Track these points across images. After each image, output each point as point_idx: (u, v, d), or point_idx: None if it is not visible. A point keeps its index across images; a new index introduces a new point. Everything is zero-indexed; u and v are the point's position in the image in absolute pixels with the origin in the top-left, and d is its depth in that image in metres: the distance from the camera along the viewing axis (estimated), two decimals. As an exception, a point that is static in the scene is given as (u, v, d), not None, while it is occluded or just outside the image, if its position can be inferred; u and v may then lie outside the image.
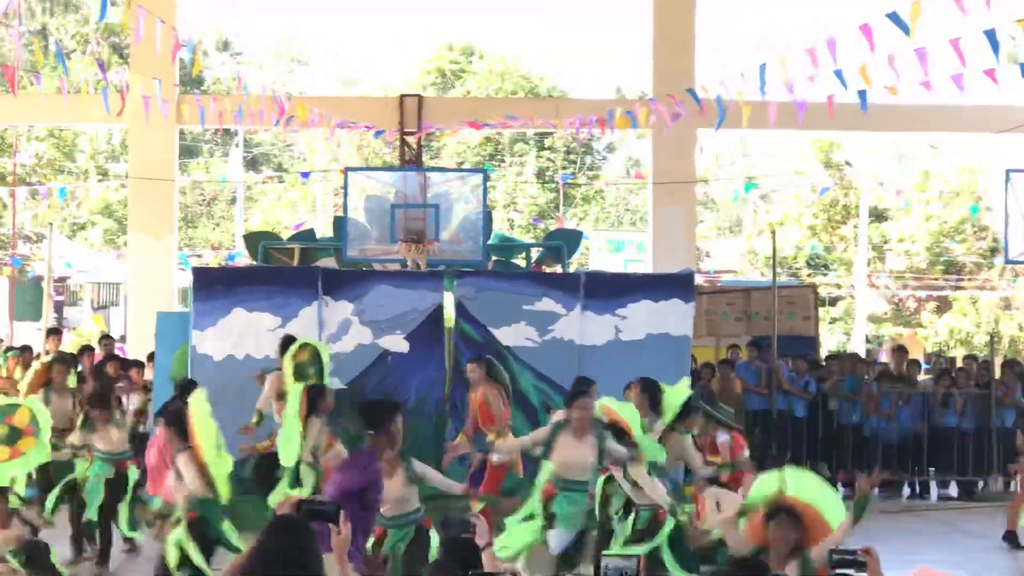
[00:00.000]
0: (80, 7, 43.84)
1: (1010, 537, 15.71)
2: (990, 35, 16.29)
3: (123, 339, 24.50)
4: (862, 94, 19.68)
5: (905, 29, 16.30)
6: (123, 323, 29.55)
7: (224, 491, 11.27)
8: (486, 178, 21.61)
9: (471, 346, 17.23)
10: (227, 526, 11.28)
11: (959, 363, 23.76)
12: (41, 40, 37.35)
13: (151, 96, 22.37)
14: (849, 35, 18.50)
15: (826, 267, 45.72)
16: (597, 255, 38.57)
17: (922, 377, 22.52)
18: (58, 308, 41.49)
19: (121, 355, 21.94)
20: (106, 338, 24.14)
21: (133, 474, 14.82)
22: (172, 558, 10.72)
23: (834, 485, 19.32)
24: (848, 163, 45.27)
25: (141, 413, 19.91)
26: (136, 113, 23.08)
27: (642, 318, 17.42)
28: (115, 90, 22.23)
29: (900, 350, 24.26)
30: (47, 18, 43.96)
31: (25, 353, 21.29)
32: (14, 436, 13.78)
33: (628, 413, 12.52)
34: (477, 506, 12.90)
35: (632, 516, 12.84)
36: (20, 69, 23.01)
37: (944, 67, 18.73)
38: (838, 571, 7.36)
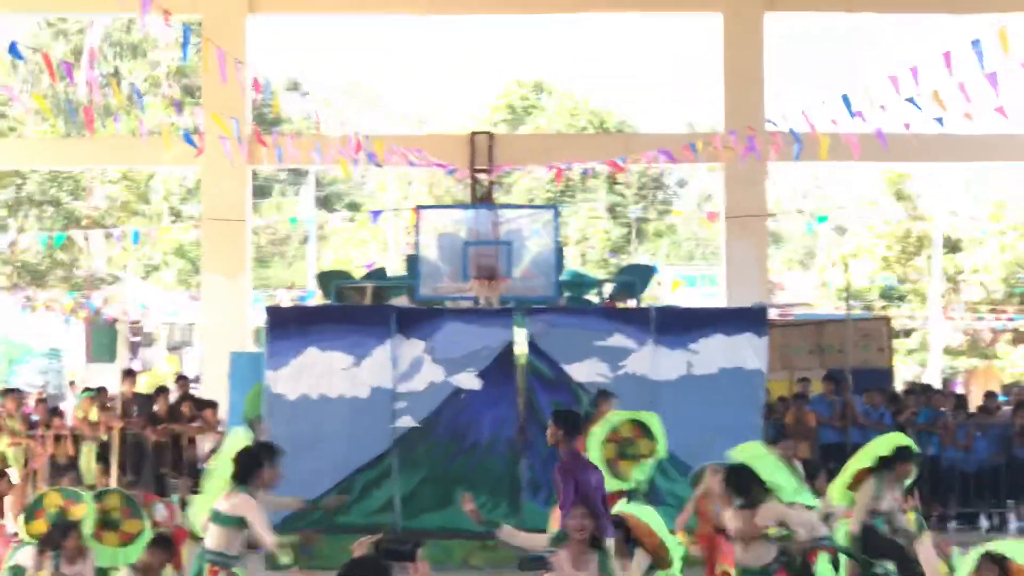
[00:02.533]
0: (149, 50, 44.21)
1: None
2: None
3: (197, 379, 24.64)
4: (939, 120, 19.67)
5: (980, 58, 16.25)
6: (197, 364, 29.71)
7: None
8: (557, 214, 21.64)
9: (543, 383, 17.25)
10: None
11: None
12: (114, 83, 37.72)
13: (227, 137, 22.54)
14: (923, 63, 18.49)
15: (900, 299, 45.43)
16: (669, 290, 38.56)
17: (1000, 409, 22.35)
18: (133, 349, 41.85)
19: (196, 395, 22.08)
20: (181, 378, 24.31)
21: None
22: None
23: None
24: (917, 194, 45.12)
25: (216, 452, 20.03)
26: (209, 154, 23.28)
27: (715, 352, 17.37)
28: (190, 132, 22.40)
29: (990, 395, 24.07)
30: (118, 62, 44.35)
31: (101, 394, 21.45)
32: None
33: (650, 519, 12.14)
34: None
35: None
36: (95, 112, 23.22)
37: (1018, 94, 18.67)
38: None
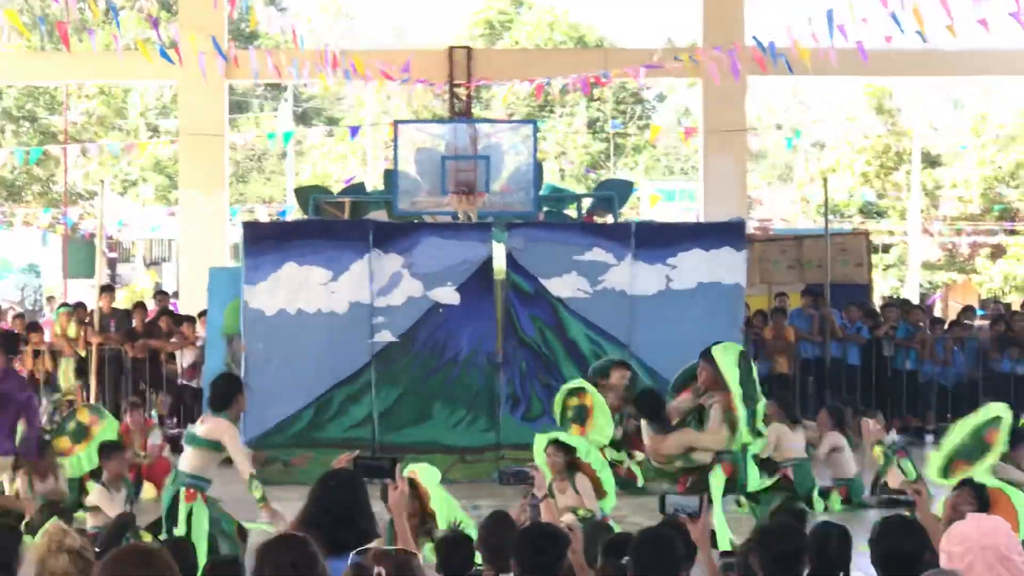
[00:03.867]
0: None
1: None
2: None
3: (176, 295, 24.65)
4: (921, 35, 19.63)
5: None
6: (175, 279, 29.69)
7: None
8: (536, 129, 21.61)
9: (522, 297, 17.28)
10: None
11: (1015, 308, 23.70)
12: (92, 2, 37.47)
13: (204, 52, 22.46)
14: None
15: (879, 214, 45.50)
16: (648, 205, 38.56)
17: (977, 323, 22.42)
18: (111, 265, 41.79)
19: (174, 311, 22.07)
20: (160, 294, 24.30)
21: None
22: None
23: (889, 431, 19.42)
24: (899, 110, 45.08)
25: (194, 368, 20.08)
26: (186, 69, 23.18)
27: (693, 267, 17.40)
28: (167, 46, 22.29)
29: (968, 309, 24.12)
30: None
31: (79, 310, 21.46)
32: (81, 432, 14.00)
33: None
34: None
35: None
36: (70, 26, 23.07)
37: (1000, 7, 18.63)
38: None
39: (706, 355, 12.62)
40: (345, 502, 6.55)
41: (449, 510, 12.02)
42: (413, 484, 9.27)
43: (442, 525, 10.39)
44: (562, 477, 12.32)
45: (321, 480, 6.72)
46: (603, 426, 13.38)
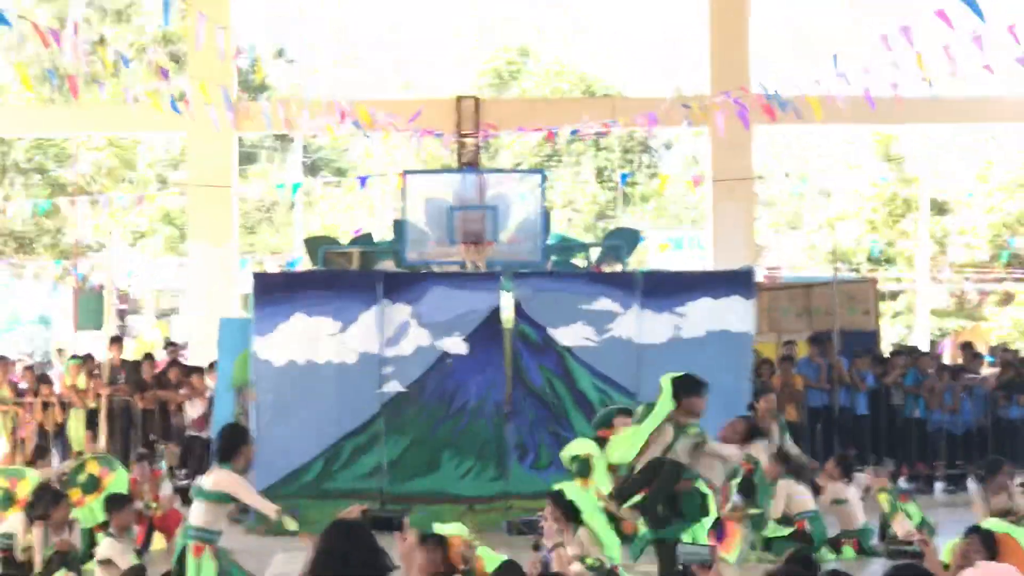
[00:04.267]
0: (135, 17, 44.11)
1: None
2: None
3: (185, 346, 24.67)
4: (927, 83, 19.72)
5: (979, 13, 16.29)
6: (185, 330, 29.71)
7: None
8: (544, 178, 21.66)
9: (530, 347, 17.31)
10: None
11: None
12: (100, 49, 37.67)
13: (213, 103, 22.53)
14: (912, 23, 18.52)
15: (887, 261, 45.50)
16: (656, 253, 38.57)
17: (986, 370, 22.39)
18: (120, 316, 41.82)
19: (183, 362, 22.10)
20: (170, 345, 24.36)
21: None
22: None
23: (897, 479, 19.46)
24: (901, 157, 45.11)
25: (204, 419, 20.09)
26: (196, 120, 23.26)
27: (702, 315, 17.42)
28: (176, 97, 22.41)
29: (965, 345, 24.18)
30: (103, 27, 44.24)
31: (88, 362, 21.50)
32: (92, 483, 14.05)
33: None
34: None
35: None
36: (80, 79, 23.17)
37: (1005, 56, 18.71)
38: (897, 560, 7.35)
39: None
40: (350, 552, 6.58)
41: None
42: (443, 542, 9.26)
43: None
44: (566, 528, 12.34)
45: (326, 530, 6.74)
46: (602, 478, 13.06)
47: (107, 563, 11.54)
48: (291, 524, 10.98)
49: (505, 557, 9.68)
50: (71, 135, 38.99)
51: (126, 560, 11.97)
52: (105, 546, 12.15)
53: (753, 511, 15.23)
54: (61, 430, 20.19)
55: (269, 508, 10.78)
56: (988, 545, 8.63)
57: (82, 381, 20.69)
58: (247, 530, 15.06)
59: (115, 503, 12.74)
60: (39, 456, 17.07)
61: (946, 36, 19.99)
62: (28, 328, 39.89)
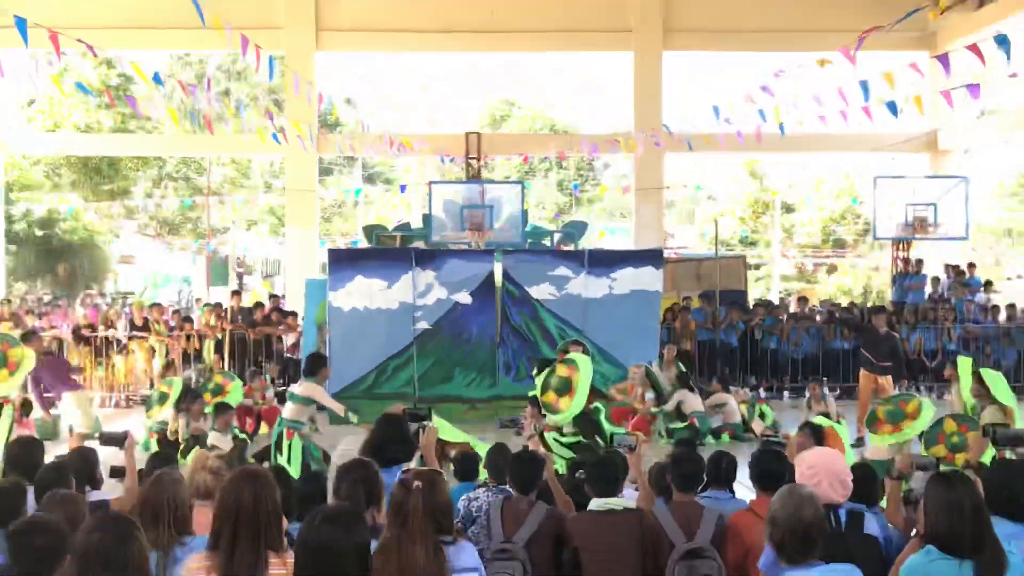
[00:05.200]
0: (249, 75, 43.90)
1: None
2: (863, 84, 16.21)
3: (283, 297, 24.60)
4: (781, 126, 19.71)
5: (812, 80, 16.29)
6: (283, 287, 29.63)
7: None
8: (524, 188, 21.66)
9: (512, 299, 17.34)
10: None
11: (843, 306, 23.75)
12: (225, 98, 37.48)
13: (301, 135, 22.47)
14: (763, 86, 18.49)
15: (752, 244, 45.49)
16: (597, 237, 38.60)
17: (818, 317, 22.42)
18: (239, 277, 41.75)
19: (282, 308, 22.07)
20: (272, 296, 24.29)
21: None
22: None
23: (757, 390, 19.46)
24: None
25: (295, 347, 20.14)
26: (290, 146, 23.18)
27: (627, 279, 17.42)
28: (277, 130, 22.33)
29: (803, 299, 24.23)
30: (229, 83, 44.02)
31: (216, 307, 21.51)
32: (218, 390, 14.27)
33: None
34: None
35: None
36: (212, 118, 23.12)
37: (833, 107, 18.67)
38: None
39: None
40: (393, 436, 6.56)
41: (462, 437, 12.04)
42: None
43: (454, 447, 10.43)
44: (538, 419, 12.39)
45: (378, 420, 6.73)
46: (574, 407, 12.01)
47: (214, 447, 11.52)
48: (353, 418, 11.02)
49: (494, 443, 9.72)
50: (206, 155, 38.93)
51: (227, 443, 11.98)
52: (212, 437, 12.19)
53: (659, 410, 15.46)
54: (198, 354, 20.17)
55: (338, 407, 10.86)
56: (817, 435, 8.61)
57: (213, 320, 20.68)
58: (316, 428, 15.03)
59: (219, 409, 12.82)
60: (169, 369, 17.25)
61: (793, 92, 19.99)
62: (176, 285, 39.79)
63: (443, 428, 11.33)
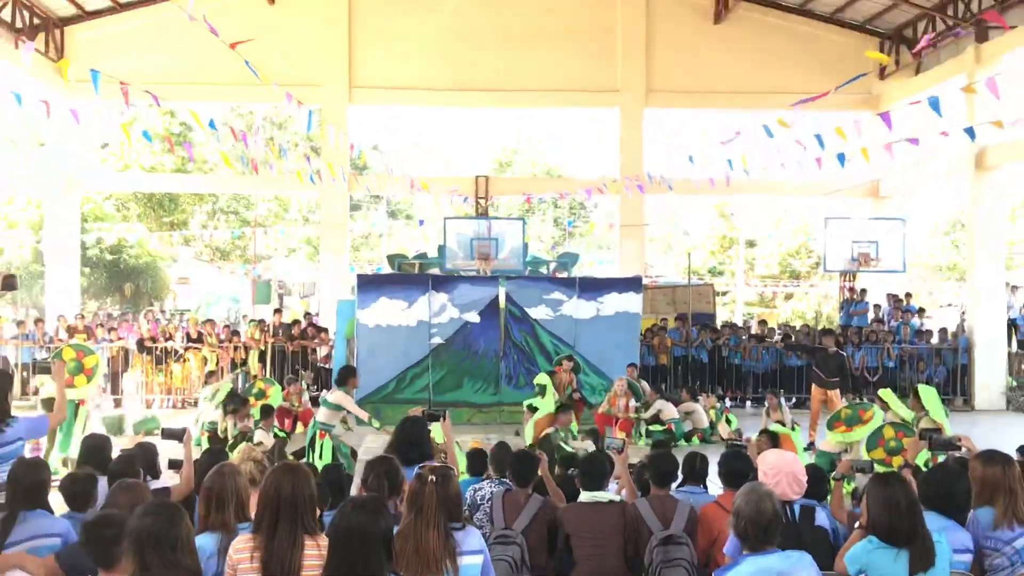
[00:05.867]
0: (290, 125, 44.03)
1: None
2: (818, 137, 16.26)
3: (317, 314, 24.59)
4: (746, 172, 19.76)
5: (770, 134, 16.30)
6: (318, 306, 29.62)
7: None
8: (524, 224, 21.69)
9: (514, 319, 17.36)
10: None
11: (797, 328, 23.74)
12: (271, 144, 37.58)
13: (335, 177, 22.55)
14: (729, 139, 18.52)
15: (720, 273, 45.45)
16: (587, 267, 38.59)
17: (776, 337, 22.42)
18: (279, 297, 41.73)
19: (316, 324, 22.08)
20: (308, 314, 24.32)
21: None
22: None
23: (723, 400, 19.40)
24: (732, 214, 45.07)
25: (327, 358, 20.15)
26: (325, 185, 23.24)
27: (613, 303, 17.47)
28: (314, 172, 22.37)
29: (763, 322, 24.21)
30: (273, 131, 44.14)
31: (261, 323, 21.52)
32: (260, 394, 14.21)
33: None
34: None
35: None
36: (258, 161, 23.15)
37: (791, 157, 18.71)
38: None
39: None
40: (413, 436, 6.56)
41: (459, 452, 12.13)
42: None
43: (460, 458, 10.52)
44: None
45: (400, 422, 6.73)
46: (548, 402, 12.89)
47: (260, 443, 11.53)
48: (375, 423, 11.00)
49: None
50: (253, 192, 39.01)
51: (270, 440, 11.98)
52: (258, 435, 12.19)
53: (640, 415, 15.39)
54: (244, 363, 20.18)
55: (363, 414, 10.84)
56: (773, 440, 8.62)
57: (257, 334, 20.69)
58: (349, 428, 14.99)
59: (265, 411, 12.84)
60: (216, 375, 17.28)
61: (757, 144, 20.04)
62: (226, 303, 39.75)
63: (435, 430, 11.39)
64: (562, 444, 11.80)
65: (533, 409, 12.67)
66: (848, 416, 10.75)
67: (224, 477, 5.08)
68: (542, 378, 13.75)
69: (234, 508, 5.01)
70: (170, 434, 6.75)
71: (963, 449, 7.06)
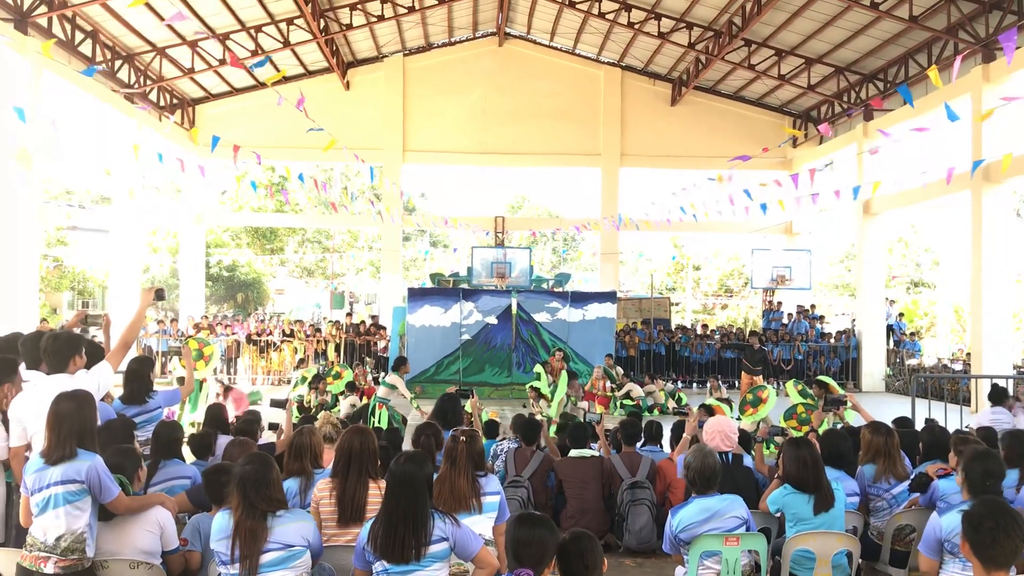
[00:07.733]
0: (360, 177, 44.15)
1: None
2: (746, 191, 16.22)
3: (378, 316, 24.59)
4: (695, 215, 19.68)
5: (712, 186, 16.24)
6: (379, 310, 29.65)
7: None
8: (530, 251, 21.66)
9: (523, 321, 17.29)
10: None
11: (732, 331, 23.62)
12: (344, 191, 37.66)
13: (391, 216, 22.56)
14: (687, 188, 18.45)
15: (673, 290, 45.30)
16: (577, 283, 38.53)
17: (716, 337, 22.30)
18: (350, 304, 41.76)
19: (378, 322, 22.07)
20: (372, 316, 24.28)
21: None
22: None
23: (676, 382, 19.23)
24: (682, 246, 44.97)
25: (386, 349, 20.09)
26: (384, 223, 23.26)
27: (595, 310, 17.41)
28: (377, 212, 22.39)
29: (705, 326, 24.07)
30: (347, 181, 44.23)
31: (336, 323, 21.48)
32: (337, 375, 13.95)
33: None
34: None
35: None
36: (337, 204, 23.16)
37: (727, 203, 18.65)
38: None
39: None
40: (449, 408, 6.56)
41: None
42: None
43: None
44: (535, 399, 12.34)
45: (440, 398, 6.73)
46: (544, 383, 12.72)
47: (352, 406, 11.49)
48: (414, 402, 10.92)
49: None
50: (331, 226, 39.04)
51: (349, 409, 11.94)
52: (346, 403, 12.11)
53: (615, 394, 15.26)
54: (324, 352, 20.17)
55: (408, 394, 10.72)
56: (709, 411, 8.58)
57: (334, 331, 20.67)
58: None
59: (349, 387, 12.76)
60: (302, 363, 17.14)
61: (702, 195, 19.97)
62: (311, 308, 39.80)
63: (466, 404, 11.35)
64: (575, 404, 11.92)
65: (535, 388, 12.61)
66: (752, 400, 10.61)
67: (303, 435, 5.09)
68: (538, 367, 13.75)
69: (310, 458, 5.02)
70: (276, 403, 6.80)
71: (849, 404, 7.08)
